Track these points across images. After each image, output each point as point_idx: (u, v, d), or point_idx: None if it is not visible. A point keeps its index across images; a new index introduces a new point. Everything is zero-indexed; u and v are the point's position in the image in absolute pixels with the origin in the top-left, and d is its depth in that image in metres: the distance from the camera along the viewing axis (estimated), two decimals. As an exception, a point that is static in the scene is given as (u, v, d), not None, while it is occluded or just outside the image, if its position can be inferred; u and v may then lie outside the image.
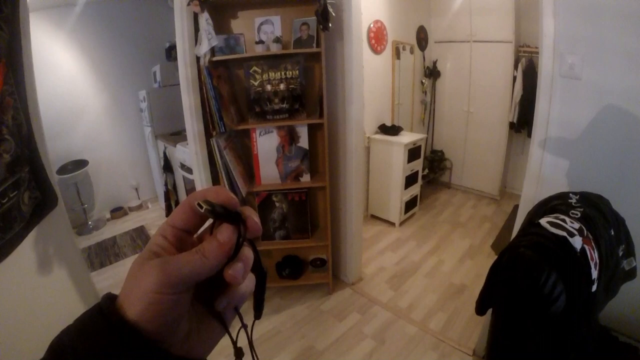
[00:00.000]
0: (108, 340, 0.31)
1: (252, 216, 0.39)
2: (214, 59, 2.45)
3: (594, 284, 1.22)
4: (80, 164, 4.52)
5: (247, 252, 0.38)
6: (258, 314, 0.44)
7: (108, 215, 5.04)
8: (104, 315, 0.33)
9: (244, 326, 0.42)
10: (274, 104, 2.56)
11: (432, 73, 5.28)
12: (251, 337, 0.43)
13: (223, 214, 0.37)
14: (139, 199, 5.43)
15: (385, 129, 4.29)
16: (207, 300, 0.39)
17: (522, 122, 4.44)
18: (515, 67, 4.39)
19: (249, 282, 0.40)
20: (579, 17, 1.70)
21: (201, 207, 0.35)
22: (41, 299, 1.67)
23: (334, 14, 2.36)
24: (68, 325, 0.33)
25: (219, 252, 0.35)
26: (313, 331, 2.74)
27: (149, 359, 0.32)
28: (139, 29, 4.92)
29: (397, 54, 4.44)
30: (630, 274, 1.46)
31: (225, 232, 0.36)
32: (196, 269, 0.34)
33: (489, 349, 1.55)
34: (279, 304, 3.03)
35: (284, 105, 2.57)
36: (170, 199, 4.30)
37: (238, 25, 2.63)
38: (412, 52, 4.83)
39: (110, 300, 0.34)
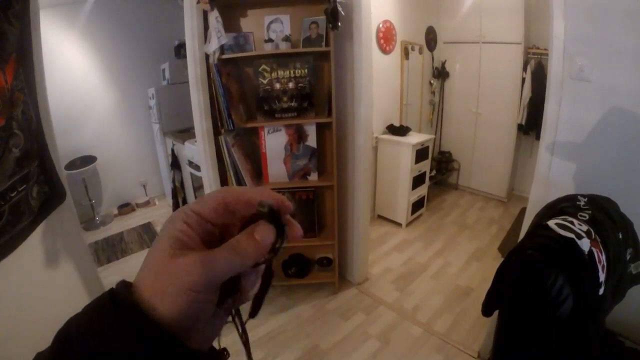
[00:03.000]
0: (121, 330, 0.30)
1: (294, 224, 0.38)
2: (224, 57, 2.46)
3: (601, 287, 1.21)
4: (89, 159, 4.55)
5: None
6: (254, 313, 0.42)
7: (115, 211, 5.06)
8: (119, 304, 0.31)
9: (243, 326, 0.41)
10: (282, 103, 2.57)
11: (441, 74, 5.27)
12: (247, 337, 0.42)
13: (275, 218, 0.36)
14: (147, 195, 5.45)
15: (393, 129, 4.28)
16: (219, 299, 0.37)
17: (531, 124, 4.41)
18: (524, 69, 4.37)
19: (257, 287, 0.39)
20: (590, 19, 1.69)
21: (262, 208, 0.35)
22: (48, 293, 1.68)
23: (343, 14, 2.36)
24: (76, 313, 0.32)
25: (257, 253, 0.35)
26: (318, 330, 2.74)
27: (165, 351, 0.30)
28: (149, 27, 4.94)
29: (405, 54, 4.43)
30: (637, 278, 1.45)
31: (267, 234, 0.35)
32: (234, 267, 0.34)
33: (494, 351, 1.54)
34: (285, 302, 3.03)
35: (293, 104, 2.57)
36: (178, 196, 4.31)
37: (247, 23, 2.63)
38: (420, 52, 4.82)
39: (126, 288, 0.33)
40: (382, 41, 4.02)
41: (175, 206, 4.37)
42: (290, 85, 2.53)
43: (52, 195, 1.68)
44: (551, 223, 1.30)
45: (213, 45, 2.35)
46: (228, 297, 0.38)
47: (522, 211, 2.92)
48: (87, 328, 0.30)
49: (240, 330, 0.41)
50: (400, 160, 4.11)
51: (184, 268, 0.32)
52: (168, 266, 0.32)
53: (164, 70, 4.89)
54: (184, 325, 0.32)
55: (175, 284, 0.32)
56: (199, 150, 2.87)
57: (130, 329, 0.30)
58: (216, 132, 2.70)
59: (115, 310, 0.31)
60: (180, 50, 4.76)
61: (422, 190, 4.49)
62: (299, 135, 2.68)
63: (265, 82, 2.53)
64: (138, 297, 0.32)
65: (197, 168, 3.57)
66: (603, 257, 1.24)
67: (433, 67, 5.23)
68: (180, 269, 0.32)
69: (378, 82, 3.63)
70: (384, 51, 4.11)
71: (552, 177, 1.96)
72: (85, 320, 0.31)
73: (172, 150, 4.34)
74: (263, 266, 0.38)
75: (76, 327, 0.31)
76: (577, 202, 1.47)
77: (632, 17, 1.59)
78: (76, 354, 0.29)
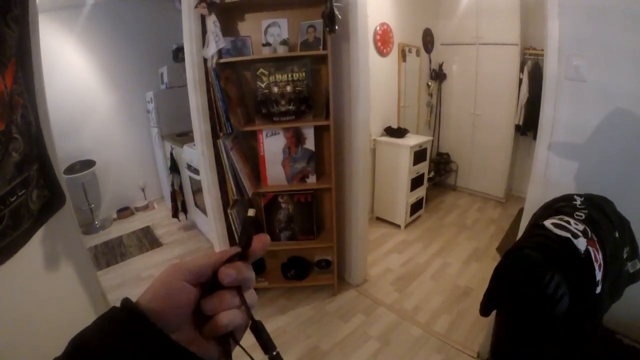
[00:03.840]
0: (128, 329, 0.36)
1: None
2: (222, 60, 2.46)
3: (598, 286, 1.22)
4: (88, 164, 4.55)
5: (246, 273, 0.45)
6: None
7: (114, 215, 5.06)
8: (125, 310, 0.37)
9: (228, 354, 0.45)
10: (280, 106, 2.57)
11: (438, 75, 5.28)
12: None
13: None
14: (146, 199, 5.46)
15: (391, 132, 4.29)
16: (202, 327, 0.43)
17: (528, 124, 4.43)
18: (521, 70, 4.38)
19: (231, 317, 0.43)
20: (585, 20, 1.70)
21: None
22: (48, 297, 1.68)
23: (340, 17, 2.37)
24: (88, 325, 0.37)
25: (218, 256, 0.44)
26: (318, 332, 2.74)
27: (160, 343, 0.37)
28: (147, 31, 4.95)
29: (403, 56, 4.45)
30: (634, 276, 1.46)
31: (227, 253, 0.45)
32: (201, 261, 0.43)
33: (493, 350, 1.55)
34: (284, 304, 3.04)
35: (291, 107, 2.58)
36: (177, 199, 4.31)
37: (245, 27, 2.65)
38: (418, 54, 4.83)
39: (128, 300, 0.39)
40: (379, 44, 4.04)
41: (174, 210, 4.37)
42: (288, 88, 2.54)
43: (51, 200, 1.68)
44: (547, 223, 1.31)
45: (211, 49, 2.36)
46: (202, 320, 0.43)
47: (520, 211, 2.93)
48: (100, 332, 0.36)
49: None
50: (399, 162, 4.12)
51: (163, 271, 0.42)
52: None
53: (162, 74, 4.89)
54: (163, 310, 0.38)
55: (156, 280, 0.41)
56: (197, 154, 2.88)
57: (135, 331, 0.36)
58: (215, 136, 2.71)
59: (123, 314, 0.37)
60: (178, 54, 4.77)
61: (421, 192, 4.50)
62: (297, 138, 2.69)
63: (263, 85, 2.54)
64: (141, 306, 0.38)
65: (196, 171, 3.58)
66: (600, 256, 1.25)
67: (430, 69, 5.24)
68: (161, 272, 0.42)
69: (376, 85, 3.65)
70: (382, 54, 4.12)
71: (550, 177, 1.97)
72: (97, 327, 0.37)
73: (171, 154, 4.34)
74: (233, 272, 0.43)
75: (90, 332, 0.36)
76: (574, 202, 1.48)
77: (628, 16, 1.60)
78: (92, 355, 0.34)
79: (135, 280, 3.50)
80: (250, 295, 0.45)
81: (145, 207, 5.35)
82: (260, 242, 0.46)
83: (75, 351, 0.35)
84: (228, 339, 0.44)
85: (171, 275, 0.41)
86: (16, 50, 1.36)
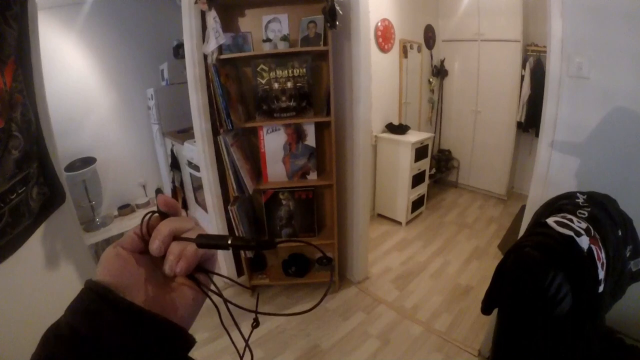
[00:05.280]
0: (95, 306, 0.38)
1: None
2: (222, 57, 2.45)
3: (600, 285, 1.21)
4: (89, 161, 4.54)
5: (160, 227, 0.50)
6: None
7: (115, 212, 5.05)
8: (90, 289, 0.40)
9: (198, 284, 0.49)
10: (281, 102, 2.57)
11: (440, 72, 5.27)
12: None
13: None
14: (147, 196, 5.44)
15: (392, 128, 4.28)
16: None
17: (530, 122, 4.42)
18: (523, 67, 4.37)
19: (175, 245, 0.48)
20: (587, 18, 1.69)
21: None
22: (49, 294, 1.68)
23: (341, 13, 2.36)
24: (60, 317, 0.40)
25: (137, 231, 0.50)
26: (318, 330, 2.74)
27: (118, 306, 0.39)
28: (147, 27, 4.93)
29: (404, 52, 4.43)
30: (636, 275, 1.45)
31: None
32: (130, 235, 0.49)
33: (494, 349, 1.55)
34: (284, 302, 3.04)
35: (291, 104, 2.57)
36: (178, 196, 4.31)
37: (245, 23, 2.63)
38: (419, 51, 4.82)
39: (91, 280, 0.42)
40: (380, 40, 4.02)
41: (175, 206, 4.36)
42: (289, 84, 2.54)
43: (52, 197, 1.68)
44: (550, 221, 1.30)
45: (211, 46, 2.35)
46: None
47: (522, 209, 2.92)
48: (72, 313, 0.39)
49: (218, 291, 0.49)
50: (400, 158, 4.11)
51: (108, 252, 0.46)
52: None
53: (162, 71, 4.88)
54: (118, 282, 0.42)
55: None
56: (198, 151, 2.87)
57: (101, 306, 0.38)
58: (215, 132, 2.70)
59: (87, 291, 0.40)
60: (178, 50, 4.75)
61: (422, 189, 4.50)
62: (297, 134, 2.69)
63: (263, 81, 2.53)
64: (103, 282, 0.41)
65: (197, 168, 3.57)
66: (602, 255, 1.24)
67: (432, 66, 5.23)
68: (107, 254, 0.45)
69: (377, 81, 3.64)
70: (383, 50, 4.11)
71: (551, 175, 1.96)
72: (69, 310, 0.39)
73: (172, 151, 4.34)
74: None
75: (62, 317, 0.39)
76: (576, 200, 1.48)
77: (630, 16, 1.59)
78: (64, 336, 0.37)
79: (136, 277, 3.49)
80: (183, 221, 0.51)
81: (146, 204, 5.33)
82: (160, 200, 0.54)
83: (48, 334, 0.37)
84: (193, 275, 0.48)
85: (113, 250, 0.46)
86: (15, 48, 1.36)
